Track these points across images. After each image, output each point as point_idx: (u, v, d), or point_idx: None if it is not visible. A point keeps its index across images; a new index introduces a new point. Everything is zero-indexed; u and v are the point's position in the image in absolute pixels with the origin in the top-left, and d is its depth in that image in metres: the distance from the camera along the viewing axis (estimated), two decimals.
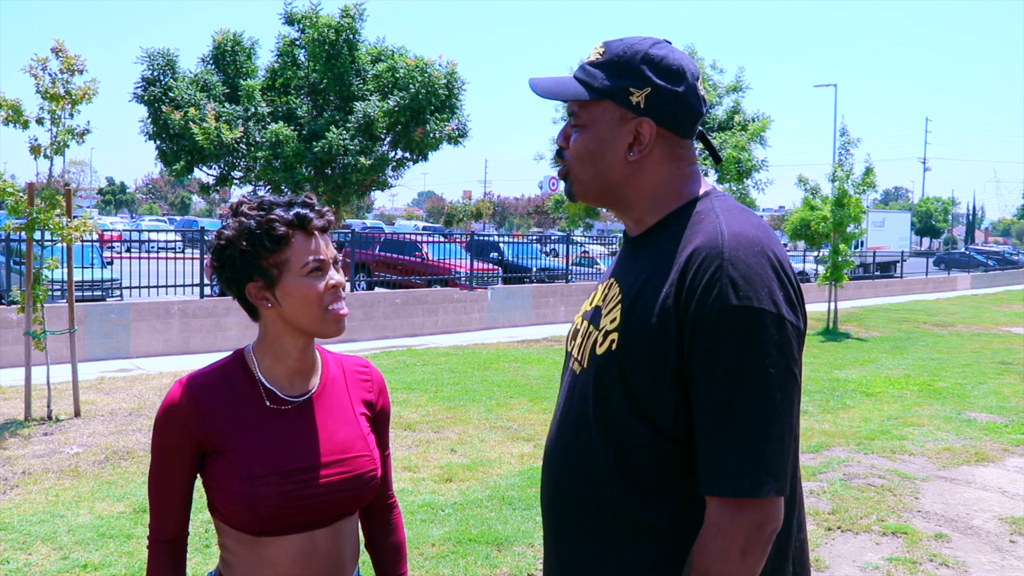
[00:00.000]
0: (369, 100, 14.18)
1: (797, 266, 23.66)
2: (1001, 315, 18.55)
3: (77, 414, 6.64)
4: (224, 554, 1.51)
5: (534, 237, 23.51)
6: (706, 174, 11.15)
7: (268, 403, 1.48)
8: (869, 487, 5.38)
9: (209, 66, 15.03)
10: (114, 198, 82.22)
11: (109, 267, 12.55)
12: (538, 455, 5.72)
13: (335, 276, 1.46)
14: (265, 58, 15.61)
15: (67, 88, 6.46)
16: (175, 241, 18.96)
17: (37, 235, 6.62)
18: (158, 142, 14.21)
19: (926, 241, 71.53)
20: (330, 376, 1.56)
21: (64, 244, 6.62)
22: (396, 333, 12.35)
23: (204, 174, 15.24)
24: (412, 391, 7.99)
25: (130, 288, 11.39)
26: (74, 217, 6.63)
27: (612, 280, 1.39)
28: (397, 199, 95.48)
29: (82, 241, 7.11)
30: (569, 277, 16.58)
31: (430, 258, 15.65)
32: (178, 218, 54.56)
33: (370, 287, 14.44)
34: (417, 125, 14.38)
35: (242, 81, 14.59)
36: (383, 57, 15.20)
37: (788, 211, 41.55)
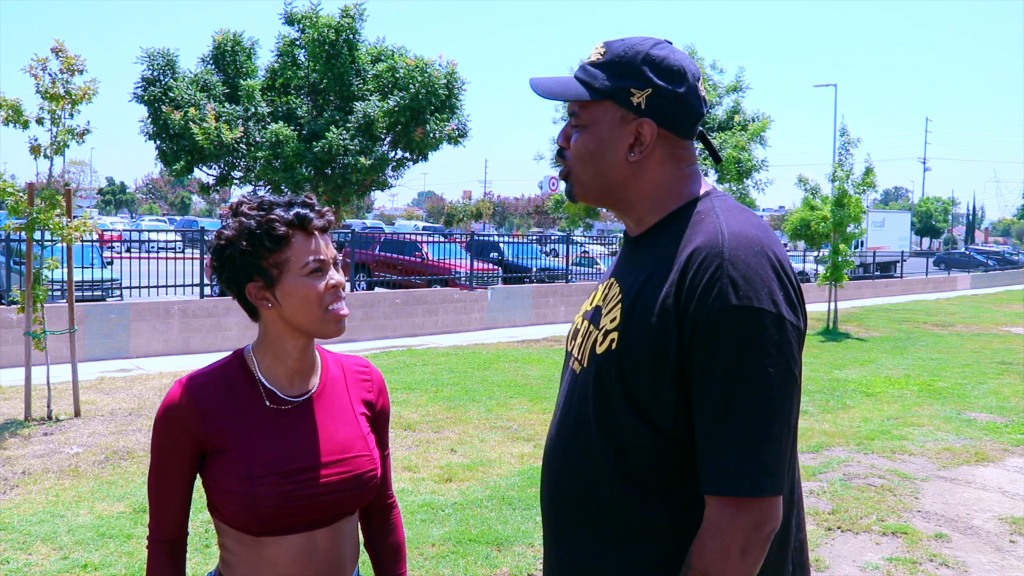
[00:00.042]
0: (369, 100, 14.18)
1: (797, 266, 23.65)
2: (1001, 315, 18.55)
3: (77, 414, 6.65)
4: (224, 554, 1.51)
5: (534, 237, 23.51)
6: (706, 174, 11.12)
7: (268, 403, 1.48)
8: (869, 487, 5.38)
9: (209, 66, 15.04)
10: (114, 198, 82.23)
11: (109, 267, 12.54)
12: (538, 455, 5.71)
13: (335, 276, 1.46)
14: (265, 58, 15.64)
15: (67, 88, 6.47)
16: (175, 241, 18.97)
17: (37, 235, 6.63)
18: (158, 142, 14.22)
19: (926, 241, 71.55)
20: (330, 376, 1.56)
21: (64, 244, 6.62)
22: (396, 333, 12.35)
23: (204, 174, 15.26)
24: (412, 391, 7.99)
25: (130, 288, 11.39)
26: (74, 217, 6.63)
27: (612, 280, 1.39)
28: (397, 199, 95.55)
29: (82, 241, 7.11)
30: (569, 277, 16.57)
31: (430, 258, 15.64)
32: (178, 218, 54.57)
33: (370, 287, 14.44)
34: (417, 125, 14.38)
35: (242, 81, 14.59)
36: (383, 57, 15.20)
37: (788, 211, 41.53)
